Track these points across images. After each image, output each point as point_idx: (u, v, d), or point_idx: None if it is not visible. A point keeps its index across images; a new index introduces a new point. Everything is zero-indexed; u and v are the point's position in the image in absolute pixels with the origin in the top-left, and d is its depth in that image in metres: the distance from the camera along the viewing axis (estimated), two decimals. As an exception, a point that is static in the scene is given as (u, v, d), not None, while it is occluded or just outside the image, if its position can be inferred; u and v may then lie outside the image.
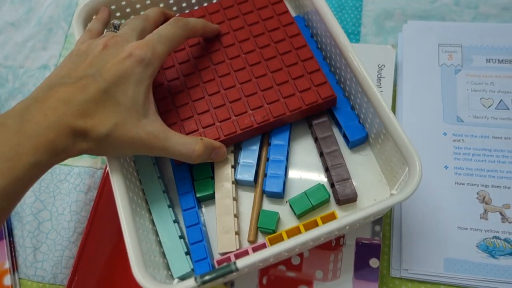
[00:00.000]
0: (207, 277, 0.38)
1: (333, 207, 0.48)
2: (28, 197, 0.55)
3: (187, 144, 0.43)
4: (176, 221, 0.48)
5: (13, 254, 0.53)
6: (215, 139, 0.48)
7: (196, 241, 0.46)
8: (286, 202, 0.48)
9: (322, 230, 0.39)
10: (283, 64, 0.50)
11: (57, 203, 0.55)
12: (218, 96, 0.50)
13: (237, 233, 0.47)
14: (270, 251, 0.38)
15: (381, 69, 0.55)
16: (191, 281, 0.38)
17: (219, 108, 0.49)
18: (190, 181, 0.49)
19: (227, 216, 0.47)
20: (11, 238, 0.53)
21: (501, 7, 0.59)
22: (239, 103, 0.49)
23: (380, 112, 0.43)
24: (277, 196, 0.49)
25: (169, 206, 0.48)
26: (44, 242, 0.53)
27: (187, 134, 0.48)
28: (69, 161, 0.56)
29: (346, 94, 0.51)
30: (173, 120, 0.49)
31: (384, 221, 0.49)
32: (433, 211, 0.48)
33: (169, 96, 0.51)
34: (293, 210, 0.47)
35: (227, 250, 0.46)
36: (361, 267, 0.46)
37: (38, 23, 0.67)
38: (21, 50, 0.65)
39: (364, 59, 0.45)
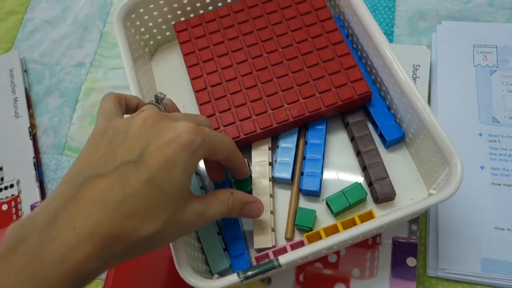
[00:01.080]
0: (250, 273, 0.39)
1: (370, 206, 0.48)
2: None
3: (222, 204, 0.40)
4: None
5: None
6: (251, 132, 0.49)
7: (234, 238, 0.47)
8: (323, 200, 0.49)
9: (361, 229, 0.39)
10: (320, 59, 0.51)
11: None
12: (255, 89, 0.51)
13: (273, 229, 0.47)
14: (310, 249, 0.39)
15: (416, 69, 0.55)
16: (234, 276, 0.38)
17: (256, 101, 0.50)
18: (228, 178, 0.50)
19: (264, 213, 0.47)
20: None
21: (535, 7, 0.59)
22: (276, 97, 0.50)
23: (419, 111, 0.43)
24: (314, 195, 0.49)
25: None
26: (81, 237, 0.53)
27: (225, 126, 0.50)
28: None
29: (383, 94, 0.51)
30: (211, 112, 0.50)
31: (421, 220, 0.49)
32: (469, 211, 0.48)
33: (207, 87, 0.52)
34: (330, 208, 0.47)
35: (263, 246, 0.46)
36: (398, 265, 0.46)
37: (74, 22, 0.68)
38: (57, 48, 0.66)
39: (399, 59, 0.46)
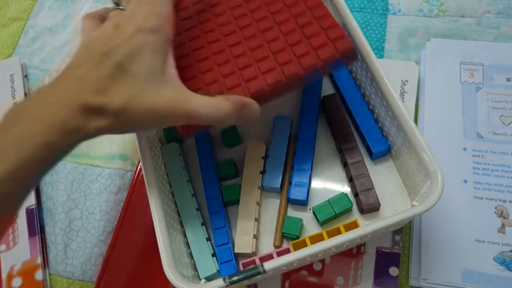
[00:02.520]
0: (235, 278, 0.40)
1: (355, 216, 0.49)
2: (61, 196, 0.57)
3: (212, 106, 0.40)
4: (203, 223, 0.50)
5: (44, 250, 0.55)
6: None
7: (222, 244, 0.49)
8: (310, 209, 0.50)
9: (345, 237, 0.40)
10: (297, 25, 0.47)
11: (88, 203, 0.57)
12: (228, 64, 0.47)
13: (255, 236, 0.49)
14: (295, 256, 0.40)
15: (404, 84, 0.57)
16: (219, 281, 0.40)
17: (229, 76, 0.46)
18: (218, 185, 0.51)
19: (249, 219, 0.49)
20: (43, 235, 0.56)
21: (522, 28, 0.61)
22: (250, 69, 0.46)
23: (404, 126, 0.45)
24: (301, 204, 0.50)
25: (197, 209, 0.50)
26: (74, 240, 0.55)
27: None
28: (100, 162, 0.59)
29: (370, 108, 0.53)
30: (199, 86, 0.46)
31: (404, 231, 0.50)
32: (451, 224, 0.50)
33: (194, 63, 0.48)
34: (316, 217, 0.49)
35: (243, 251, 0.48)
36: (381, 275, 0.48)
37: (74, 29, 0.70)
38: (57, 54, 0.68)
39: (388, 74, 0.47)
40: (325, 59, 0.45)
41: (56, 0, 0.74)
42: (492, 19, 0.62)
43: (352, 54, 0.46)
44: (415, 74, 0.57)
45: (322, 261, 0.49)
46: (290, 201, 0.51)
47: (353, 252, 0.49)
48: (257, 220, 0.50)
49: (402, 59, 0.61)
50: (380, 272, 0.48)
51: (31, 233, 0.55)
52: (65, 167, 0.59)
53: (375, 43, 0.63)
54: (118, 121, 0.37)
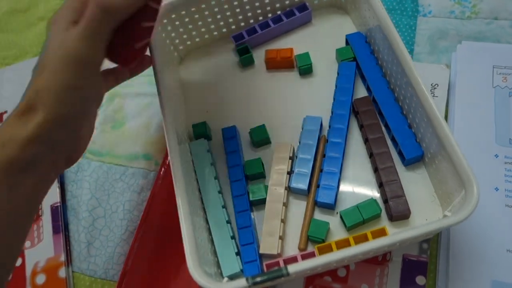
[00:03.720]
0: (258, 279, 0.39)
1: (383, 222, 0.48)
2: (85, 194, 0.57)
3: None
4: (228, 221, 0.50)
5: (68, 248, 0.55)
6: None
7: (247, 243, 0.48)
8: (337, 213, 0.49)
9: (372, 245, 0.39)
10: None
11: (111, 201, 0.57)
12: None
13: (281, 237, 0.48)
14: (320, 260, 0.39)
15: (434, 88, 0.55)
16: (242, 281, 0.39)
17: None
18: (244, 184, 0.51)
19: (275, 219, 0.49)
20: (66, 233, 0.56)
21: (556, 31, 0.59)
22: None
23: (440, 133, 0.44)
24: (328, 207, 0.50)
25: (223, 207, 0.50)
26: (97, 238, 0.55)
27: None
28: (124, 161, 0.59)
29: (404, 112, 0.52)
30: None
31: (432, 239, 0.49)
32: (482, 233, 0.48)
33: None
34: (343, 222, 0.48)
35: (268, 252, 0.47)
36: (407, 283, 0.47)
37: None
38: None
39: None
40: None
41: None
42: (527, 21, 0.60)
43: None
44: (446, 77, 0.56)
45: (347, 267, 0.48)
46: (318, 204, 0.50)
47: (378, 259, 0.48)
48: (283, 221, 0.49)
49: (432, 62, 0.60)
50: (406, 280, 0.47)
51: (56, 231, 0.55)
52: (89, 166, 0.59)
53: (405, 45, 0.61)
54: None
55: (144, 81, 0.64)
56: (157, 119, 0.61)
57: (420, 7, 0.64)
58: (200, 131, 0.55)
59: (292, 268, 0.39)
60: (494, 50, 0.58)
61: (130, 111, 0.63)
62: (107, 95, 0.63)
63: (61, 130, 0.37)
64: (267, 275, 0.39)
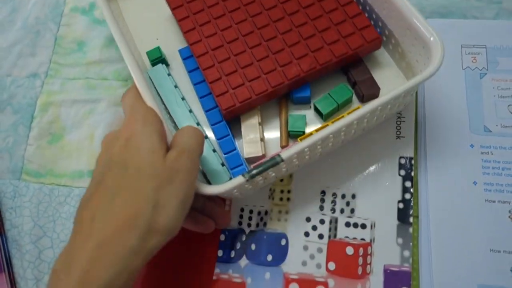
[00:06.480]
0: (254, 171, 0.40)
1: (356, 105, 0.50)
2: (26, 223, 0.51)
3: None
4: (206, 137, 0.50)
5: (13, 287, 0.49)
6: (262, 92, 0.48)
7: (230, 151, 0.49)
8: (310, 107, 0.51)
9: (364, 110, 0.41)
10: (323, 11, 0.51)
11: (57, 229, 0.51)
12: (260, 48, 0.50)
13: (262, 139, 0.49)
14: (314, 138, 0.40)
15: (400, 74, 0.51)
16: (239, 178, 0.40)
17: (263, 60, 0.50)
18: (213, 97, 0.51)
19: (252, 124, 0.49)
20: (10, 270, 0.50)
21: (526, 1, 0.56)
22: (283, 53, 0.49)
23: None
24: (305, 101, 0.51)
25: (198, 124, 0.50)
26: (46, 273, 0.49)
27: (233, 88, 0.49)
28: (67, 181, 0.53)
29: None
30: (217, 76, 0.50)
31: (412, 245, 0.46)
32: (463, 232, 0.45)
33: (209, 51, 0.51)
34: (319, 111, 0.49)
35: (253, 155, 0.48)
36: (390, 296, 0.44)
37: (23, 25, 0.61)
38: (6, 57, 0.60)
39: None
40: (355, 47, 0.49)
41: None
42: (493, -8, 0.56)
43: (377, 43, 0.49)
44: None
45: (325, 284, 0.45)
46: (294, 101, 0.51)
47: (358, 273, 0.44)
48: (260, 124, 0.50)
49: (396, 43, 0.56)
50: (390, 292, 0.44)
51: (-3, 270, 0.49)
52: (28, 189, 0.53)
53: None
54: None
55: (80, 85, 0.57)
56: (101, 129, 0.54)
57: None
58: (156, 56, 0.54)
59: (284, 154, 0.40)
60: (461, 27, 0.54)
61: (68, 122, 0.56)
62: (39, 104, 0.56)
63: None
64: (262, 166, 0.40)
